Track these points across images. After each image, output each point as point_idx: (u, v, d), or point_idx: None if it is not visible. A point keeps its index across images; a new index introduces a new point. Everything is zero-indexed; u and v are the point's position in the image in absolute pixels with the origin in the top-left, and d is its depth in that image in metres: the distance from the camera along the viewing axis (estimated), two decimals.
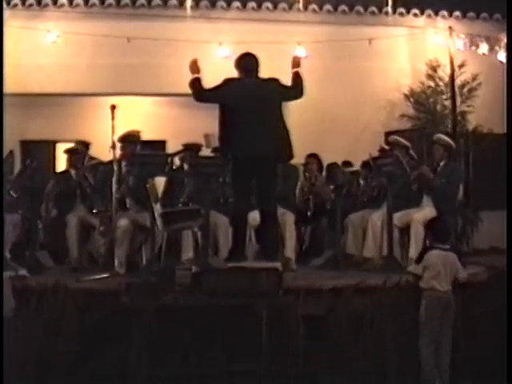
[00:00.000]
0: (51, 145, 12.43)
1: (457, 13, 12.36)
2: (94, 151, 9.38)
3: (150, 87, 11.59)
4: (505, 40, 11.37)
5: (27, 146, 12.06)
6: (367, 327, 6.84)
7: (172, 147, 10.45)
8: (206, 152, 8.73)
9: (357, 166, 9.41)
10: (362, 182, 9.12)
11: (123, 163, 7.97)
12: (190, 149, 8.61)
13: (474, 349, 6.95)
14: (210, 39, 11.44)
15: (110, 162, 7.78)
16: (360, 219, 8.44)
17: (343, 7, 12.11)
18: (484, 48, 12.06)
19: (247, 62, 7.40)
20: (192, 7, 11.71)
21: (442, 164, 8.27)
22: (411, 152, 8.60)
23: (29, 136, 12.13)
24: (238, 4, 11.86)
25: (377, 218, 8.26)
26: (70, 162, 8.66)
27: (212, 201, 7.76)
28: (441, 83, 12.09)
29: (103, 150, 7.96)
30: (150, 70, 11.43)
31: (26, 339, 6.33)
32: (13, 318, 5.73)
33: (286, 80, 7.44)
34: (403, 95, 12.11)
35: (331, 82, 11.87)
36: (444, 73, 12.04)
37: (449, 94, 12.01)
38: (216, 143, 7.73)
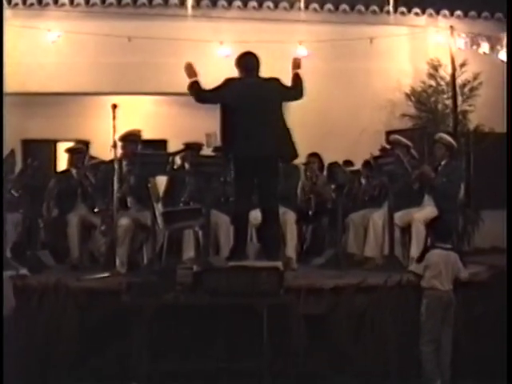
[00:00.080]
0: (52, 144, 12.44)
1: (458, 12, 12.36)
2: (95, 150, 9.40)
3: (150, 86, 11.59)
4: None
5: (28, 145, 12.06)
6: (368, 326, 6.84)
7: (173, 146, 10.46)
8: (207, 151, 8.73)
9: (358, 166, 9.40)
10: (363, 181, 9.13)
11: (124, 162, 7.97)
12: (191, 148, 8.61)
13: (475, 348, 6.94)
14: (210, 38, 11.44)
15: (111, 161, 7.78)
16: (361, 218, 8.44)
17: (344, 6, 12.12)
18: (485, 47, 12.05)
19: (248, 61, 7.40)
20: (193, 6, 11.71)
21: (443, 163, 8.27)
22: (412, 151, 8.59)
23: (30, 135, 12.13)
24: (238, 3, 11.87)
25: (378, 217, 8.25)
26: (71, 161, 8.67)
27: (213, 200, 7.76)
28: (442, 82, 12.09)
29: (104, 149, 7.97)
30: (151, 69, 11.43)
31: (27, 338, 6.34)
32: (14, 317, 5.73)
33: (287, 80, 7.44)
34: (404, 94, 12.12)
35: (332, 81, 11.88)
36: (445, 72, 12.03)
37: (450, 94, 12.01)
38: (217, 142, 7.73)
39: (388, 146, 8.93)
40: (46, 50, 11.38)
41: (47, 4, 11.44)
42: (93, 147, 10.40)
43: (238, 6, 11.88)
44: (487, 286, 7.18)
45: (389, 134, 10.74)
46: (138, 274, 7.18)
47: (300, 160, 8.47)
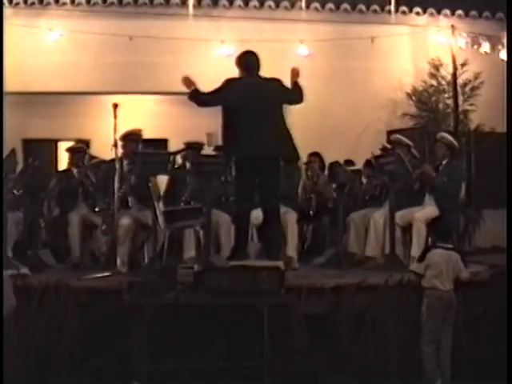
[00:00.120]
0: (53, 143, 12.45)
1: (459, 11, 12.37)
2: (96, 150, 9.40)
3: (151, 85, 11.60)
4: None
5: (29, 144, 12.07)
6: (369, 326, 6.84)
7: (174, 146, 10.47)
8: (208, 150, 8.74)
9: (359, 165, 9.41)
10: (364, 180, 9.14)
11: (125, 162, 7.97)
12: (192, 147, 8.60)
13: (476, 348, 6.94)
14: (211, 37, 11.46)
15: (112, 161, 7.78)
16: (362, 218, 8.44)
17: (345, 6, 12.14)
18: (486, 47, 12.07)
19: (248, 60, 7.40)
20: (194, 5, 11.73)
21: (444, 163, 8.26)
22: (413, 151, 8.59)
23: (31, 134, 12.14)
24: (240, 2, 11.88)
25: (379, 216, 8.25)
26: (72, 161, 8.67)
27: (214, 199, 7.77)
28: (443, 82, 12.10)
29: (105, 148, 7.97)
30: (152, 68, 11.43)
31: (27, 338, 6.34)
32: (14, 316, 5.73)
33: (287, 80, 7.44)
34: (405, 94, 12.13)
35: (333, 80, 11.88)
36: (446, 71, 12.04)
37: (451, 93, 12.02)
38: (218, 142, 7.73)
39: (389, 146, 8.93)
40: (47, 49, 11.39)
41: (48, 3, 11.45)
42: (94, 146, 10.41)
43: (239, 6, 11.89)
44: (488, 286, 7.17)
45: (390, 133, 10.75)
46: (138, 274, 7.17)
47: (301, 159, 8.47)
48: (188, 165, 8.61)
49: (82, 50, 11.47)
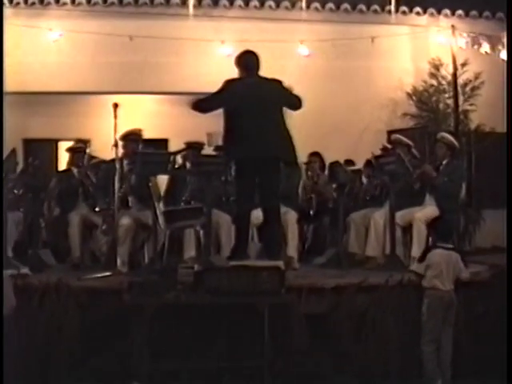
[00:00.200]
0: (53, 143, 12.44)
1: (459, 11, 12.38)
2: (96, 149, 9.39)
3: (152, 85, 11.60)
4: None
5: (29, 144, 12.08)
6: (369, 326, 6.84)
7: (174, 145, 10.47)
8: (208, 150, 8.74)
9: (359, 165, 9.41)
10: (364, 180, 9.14)
11: (125, 161, 7.97)
12: (193, 147, 8.60)
13: (476, 348, 6.94)
14: (212, 37, 11.46)
15: (113, 161, 7.77)
16: (362, 218, 8.44)
17: (346, 5, 12.14)
18: (486, 47, 12.08)
19: (248, 60, 7.40)
20: (194, 5, 11.73)
21: (444, 162, 8.26)
22: (413, 151, 8.59)
23: (31, 134, 12.14)
24: (240, 2, 11.88)
25: (379, 216, 8.25)
26: (72, 161, 8.67)
27: (214, 199, 7.77)
28: (443, 82, 12.10)
29: (105, 148, 7.97)
30: (152, 68, 11.44)
31: (27, 338, 6.34)
32: (14, 316, 5.72)
33: (288, 80, 7.44)
34: (406, 94, 12.13)
35: (333, 80, 11.88)
36: (446, 71, 12.05)
37: (451, 93, 12.03)
38: (218, 142, 7.73)
39: (389, 146, 8.93)
40: (47, 49, 11.40)
41: (49, 3, 11.46)
42: (94, 146, 10.39)
43: (240, 6, 11.89)
44: (488, 286, 7.17)
45: (390, 133, 10.75)
46: (139, 274, 7.17)
47: (301, 159, 8.47)
48: (188, 165, 8.61)
49: (82, 50, 11.48)
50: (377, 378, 6.72)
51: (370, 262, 8.17)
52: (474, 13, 12.42)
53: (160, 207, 7.44)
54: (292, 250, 8.15)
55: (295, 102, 7.39)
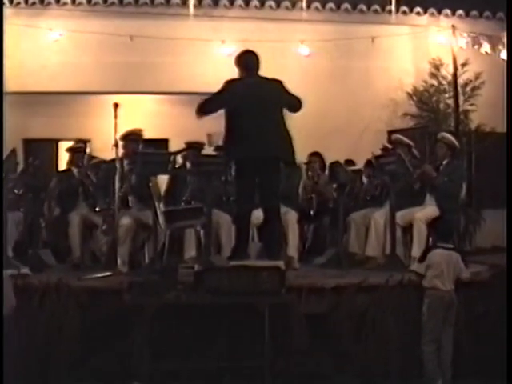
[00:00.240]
0: (54, 143, 12.43)
1: (460, 11, 12.37)
2: (96, 149, 9.39)
3: (152, 85, 11.60)
4: None
5: (30, 144, 12.06)
6: (369, 326, 6.84)
7: (174, 145, 10.47)
8: (208, 150, 8.74)
9: (359, 165, 9.41)
10: (364, 180, 9.14)
11: (125, 161, 7.97)
12: (193, 147, 8.60)
13: (476, 348, 6.94)
14: (212, 37, 11.46)
15: (113, 161, 7.78)
16: (362, 218, 8.44)
17: (346, 5, 12.14)
18: (487, 47, 12.08)
19: (247, 60, 7.39)
20: (195, 5, 11.73)
21: (444, 162, 8.26)
22: (414, 151, 8.59)
23: (31, 134, 12.13)
24: (240, 2, 11.88)
25: (379, 216, 8.25)
26: (72, 161, 8.67)
27: (214, 199, 7.77)
28: (444, 82, 12.10)
29: (106, 148, 7.97)
30: (153, 68, 11.44)
31: (28, 338, 6.33)
32: (14, 316, 5.72)
33: (288, 80, 7.43)
34: (406, 94, 12.13)
35: (334, 80, 11.89)
36: (447, 71, 12.05)
37: (451, 93, 12.02)
38: (219, 142, 7.73)
39: (390, 146, 8.92)
40: (47, 49, 11.40)
41: (49, 3, 11.46)
42: (94, 146, 10.40)
43: (240, 5, 11.89)
44: (488, 286, 7.17)
45: (390, 133, 10.75)
46: (139, 274, 7.17)
47: (302, 159, 8.47)
48: (188, 165, 8.61)
49: (82, 50, 11.48)
50: (377, 377, 6.72)
51: (370, 262, 8.17)
52: (474, 13, 12.42)
53: (160, 207, 7.43)
54: (292, 249, 8.15)
55: (295, 103, 7.38)
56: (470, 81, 11.94)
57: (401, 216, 8.07)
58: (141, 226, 7.83)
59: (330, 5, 12.10)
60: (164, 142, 11.52)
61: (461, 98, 11.96)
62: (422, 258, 6.90)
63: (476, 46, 12.10)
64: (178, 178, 8.39)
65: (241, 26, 11.60)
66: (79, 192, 8.38)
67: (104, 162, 8.41)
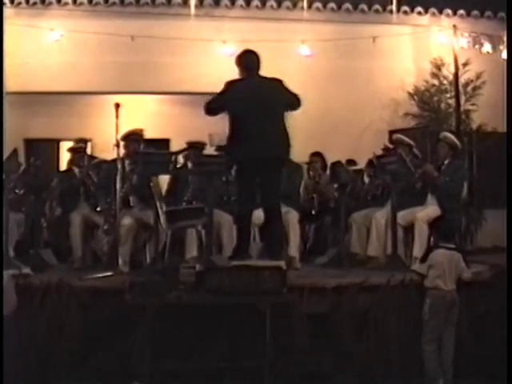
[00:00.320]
0: (55, 143, 12.45)
1: (461, 11, 12.36)
2: (97, 149, 9.39)
3: (153, 85, 11.60)
4: None
5: (31, 144, 12.08)
6: (371, 326, 6.84)
7: (176, 145, 10.47)
8: (209, 150, 8.74)
9: (361, 165, 9.40)
10: (366, 180, 9.12)
11: (127, 161, 7.97)
12: (194, 147, 8.60)
13: (477, 347, 6.94)
14: (213, 37, 11.45)
15: (114, 161, 7.77)
16: (364, 218, 8.44)
17: (347, 5, 12.13)
18: (488, 47, 12.07)
19: (248, 60, 7.39)
20: (196, 5, 11.72)
21: (446, 162, 8.26)
22: (415, 150, 8.59)
23: (33, 134, 12.15)
24: (241, 2, 11.88)
25: (381, 216, 8.25)
26: (73, 161, 8.67)
27: (216, 199, 7.77)
28: (445, 82, 12.09)
29: (107, 148, 7.97)
30: (154, 68, 11.44)
31: (29, 337, 6.34)
32: (16, 316, 5.73)
33: (289, 80, 7.43)
34: (407, 94, 12.12)
35: (335, 80, 11.88)
36: (448, 71, 12.04)
37: (453, 93, 12.02)
38: (220, 142, 7.73)
39: (391, 146, 8.92)
40: (48, 49, 11.40)
41: (50, 3, 11.45)
42: (95, 146, 10.41)
43: (241, 5, 11.88)
44: (489, 286, 7.17)
45: (392, 133, 10.74)
46: (140, 273, 7.16)
47: (303, 159, 8.46)
48: (190, 165, 8.61)
49: (83, 50, 11.48)
50: (378, 377, 6.72)
51: (371, 261, 8.16)
52: (475, 12, 12.41)
53: (162, 207, 7.43)
54: (293, 249, 8.15)
55: (294, 102, 7.38)
56: (472, 80, 11.93)
57: (402, 216, 8.07)
58: (142, 225, 7.83)
59: (331, 5, 12.09)
60: (165, 142, 11.52)
61: (462, 98, 11.95)
62: (424, 258, 6.90)
63: (477, 46, 12.09)
64: (179, 178, 8.39)
65: (242, 25, 11.60)
66: (80, 192, 8.38)
67: (105, 161, 8.41)
